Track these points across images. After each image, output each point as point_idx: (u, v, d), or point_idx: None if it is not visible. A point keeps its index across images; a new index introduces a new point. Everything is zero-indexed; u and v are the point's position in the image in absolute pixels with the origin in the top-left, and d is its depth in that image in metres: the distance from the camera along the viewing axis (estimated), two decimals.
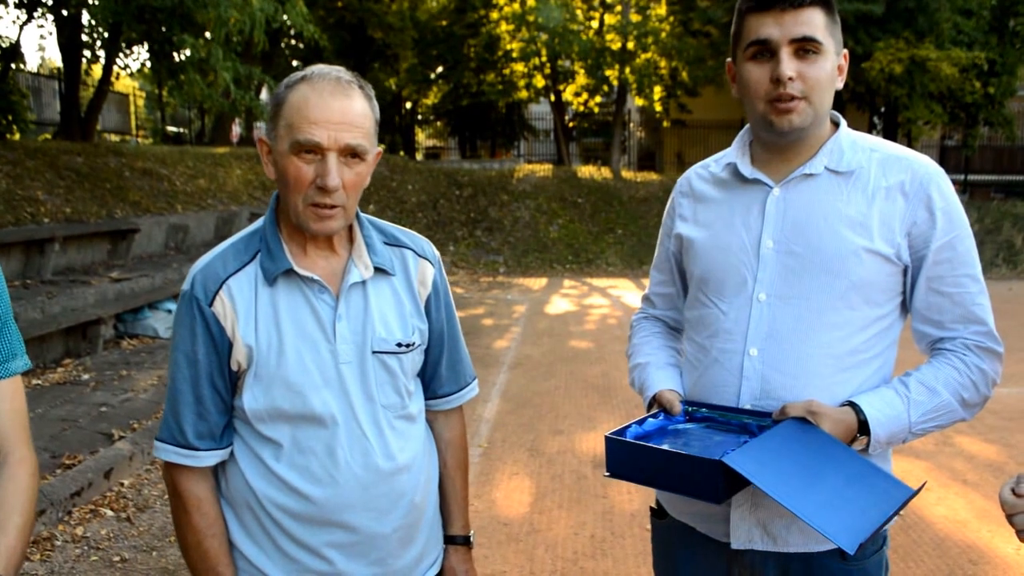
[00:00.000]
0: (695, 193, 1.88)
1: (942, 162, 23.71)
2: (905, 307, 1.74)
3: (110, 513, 4.40)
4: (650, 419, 1.75)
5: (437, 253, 1.84)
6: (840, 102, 19.36)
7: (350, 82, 1.58)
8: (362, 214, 1.72)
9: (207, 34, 10.66)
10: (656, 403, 1.82)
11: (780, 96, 1.62)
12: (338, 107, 1.54)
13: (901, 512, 1.52)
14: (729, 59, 1.76)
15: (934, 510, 4.59)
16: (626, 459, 1.63)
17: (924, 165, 1.67)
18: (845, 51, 1.69)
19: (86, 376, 6.62)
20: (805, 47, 1.61)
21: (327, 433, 1.62)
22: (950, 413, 1.66)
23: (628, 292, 13.26)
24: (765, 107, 1.65)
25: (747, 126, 1.82)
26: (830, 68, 1.64)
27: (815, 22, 1.60)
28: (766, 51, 1.63)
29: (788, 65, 1.60)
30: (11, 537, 1.41)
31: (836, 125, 1.75)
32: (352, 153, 1.56)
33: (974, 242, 1.69)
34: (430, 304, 1.77)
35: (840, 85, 1.68)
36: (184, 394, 1.62)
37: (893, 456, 1.77)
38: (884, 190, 1.65)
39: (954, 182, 1.70)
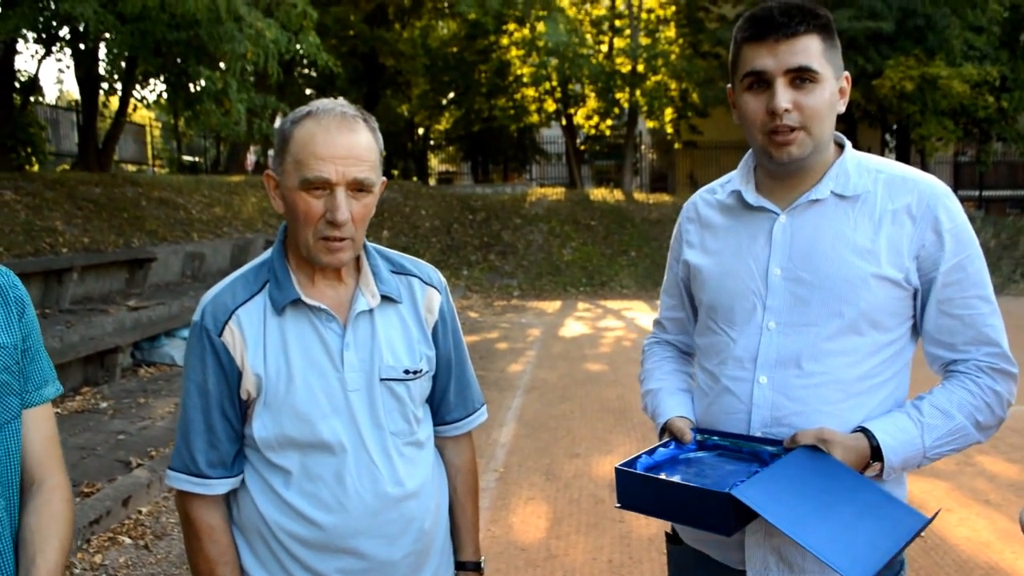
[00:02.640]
0: (701, 219, 1.87)
1: (956, 179, 23.66)
2: (916, 330, 1.72)
3: (128, 541, 4.41)
4: (661, 448, 1.73)
5: (444, 280, 1.85)
6: (851, 120, 19.47)
7: (355, 116, 1.60)
8: (368, 243, 1.74)
9: (222, 65, 10.80)
10: (667, 431, 1.80)
11: (777, 128, 1.61)
12: (344, 142, 1.56)
13: (921, 535, 1.49)
14: (729, 85, 1.75)
15: (956, 531, 4.53)
16: (636, 490, 1.61)
17: (931, 186, 1.65)
18: (846, 73, 1.68)
19: (104, 404, 6.67)
20: (801, 76, 1.59)
21: (336, 460, 1.64)
22: (965, 436, 1.63)
23: (642, 314, 13.23)
24: (764, 139, 1.65)
25: (751, 151, 1.81)
26: (828, 95, 1.61)
27: (811, 50, 1.59)
28: (762, 82, 1.62)
29: (783, 97, 1.59)
30: (50, 562, 1.45)
31: (841, 147, 1.73)
32: (359, 187, 1.58)
33: (984, 262, 1.67)
34: (437, 331, 1.79)
35: (842, 109, 1.67)
36: (195, 423, 1.64)
37: (914, 476, 1.75)
38: (891, 213, 1.64)
39: (969, 198, 1.69)
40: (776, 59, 1.59)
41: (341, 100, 1.64)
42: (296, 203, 1.57)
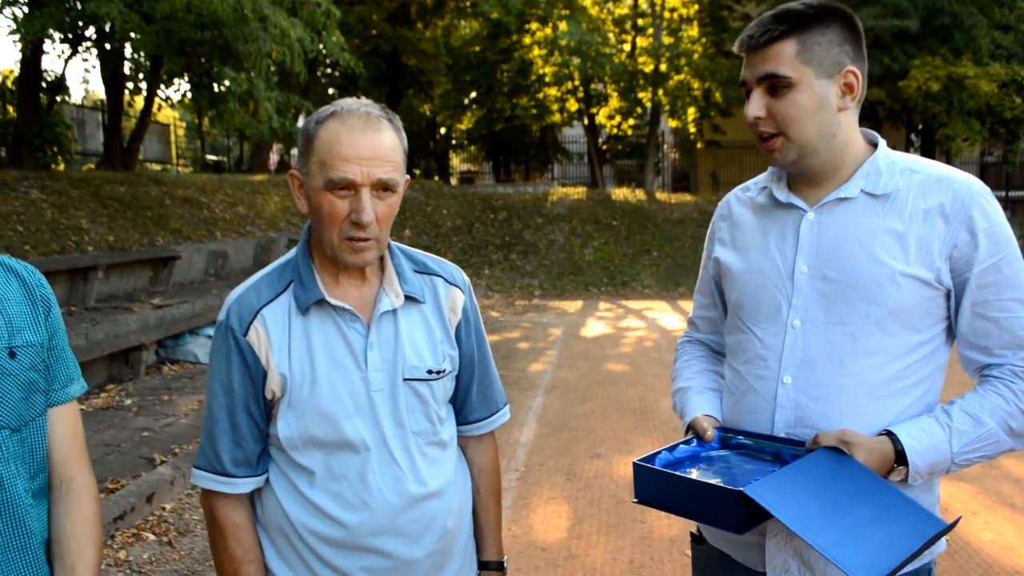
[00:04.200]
0: (733, 217, 1.87)
1: (982, 179, 23.30)
2: (951, 332, 1.68)
3: (152, 537, 4.45)
4: (682, 445, 1.73)
5: (467, 280, 1.85)
6: (877, 120, 19.22)
7: (379, 116, 1.60)
8: (392, 243, 1.74)
9: (246, 64, 10.87)
10: (690, 429, 1.80)
11: (759, 135, 1.66)
12: (369, 143, 1.55)
13: (944, 539, 1.47)
14: None
15: (981, 535, 4.48)
16: (653, 486, 1.61)
17: (966, 185, 1.62)
18: (851, 68, 1.63)
19: (128, 401, 6.73)
20: (773, 84, 1.61)
21: (359, 460, 1.64)
22: (996, 443, 1.59)
23: (664, 314, 13.18)
24: (759, 145, 1.69)
25: None
26: (806, 98, 1.60)
27: (782, 56, 1.60)
28: (749, 92, 1.66)
29: (754, 105, 1.64)
30: (89, 568, 1.49)
31: (874, 146, 1.71)
32: (384, 187, 1.58)
33: (1023, 264, 1.63)
34: (460, 331, 1.79)
35: (848, 105, 1.64)
36: (220, 422, 1.65)
37: (939, 482, 1.72)
38: (923, 212, 1.61)
39: (995, 199, 1.65)
40: (752, 70, 1.64)
41: (365, 99, 1.64)
42: (321, 203, 1.57)
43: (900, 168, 1.67)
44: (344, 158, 1.54)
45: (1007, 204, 21.09)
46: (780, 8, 1.63)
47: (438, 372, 1.71)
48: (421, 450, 1.70)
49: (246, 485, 1.67)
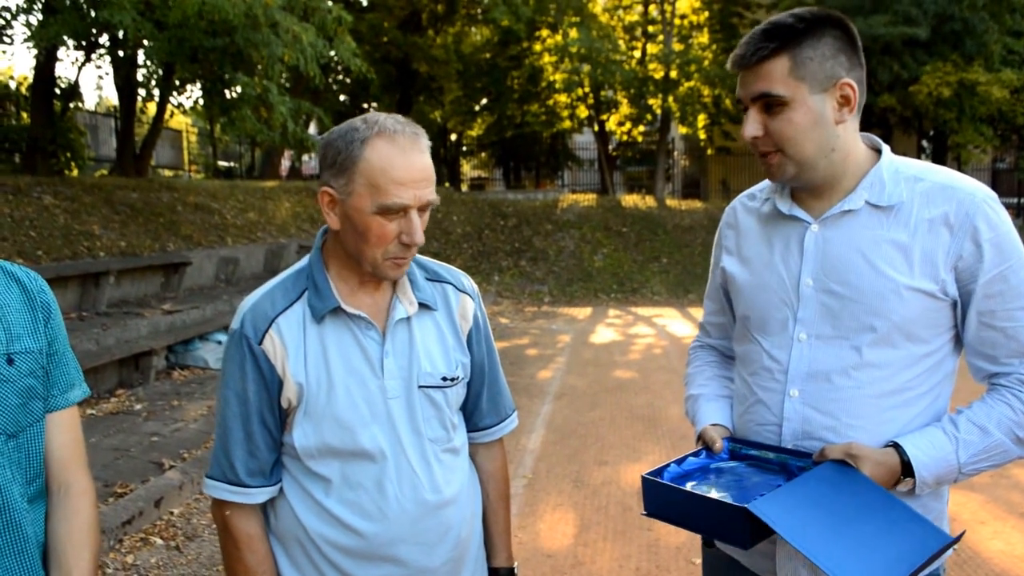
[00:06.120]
0: (739, 226, 1.86)
1: (994, 186, 23.14)
2: (959, 340, 1.67)
3: (160, 542, 4.47)
4: (691, 458, 1.73)
5: (475, 287, 1.86)
6: (887, 126, 19.11)
7: (419, 135, 1.60)
8: None
9: (259, 68, 10.93)
10: (700, 440, 1.80)
11: (759, 153, 1.65)
12: (419, 164, 1.57)
13: (955, 549, 1.46)
14: None
15: (990, 544, 4.45)
16: (660, 500, 1.62)
17: (971, 193, 1.59)
18: (846, 80, 1.59)
19: (138, 406, 6.76)
20: (767, 102, 1.59)
21: (376, 468, 1.64)
22: (1003, 453, 1.59)
23: (674, 321, 13.15)
24: (759, 160, 1.67)
25: None
26: (800, 117, 1.58)
27: (774, 74, 1.57)
28: (744, 108, 1.65)
29: (751, 125, 1.62)
30: (85, 573, 1.49)
31: (878, 152, 1.69)
32: (428, 206, 1.61)
33: None
34: (471, 338, 1.79)
35: (845, 117, 1.61)
36: (234, 431, 1.64)
37: (948, 489, 1.71)
38: (927, 223, 1.59)
39: (1007, 206, 1.62)
40: (746, 88, 1.62)
41: (399, 116, 1.62)
42: (369, 226, 1.56)
43: (905, 176, 1.64)
44: (400, 182, 1.54)
45: (1019, 211, 20.98)
46: (770, 22, 1.60)
47: (452, 379, 1.72)
48: (437, 457, 1.71)
49: (260, 495, 1.66)
